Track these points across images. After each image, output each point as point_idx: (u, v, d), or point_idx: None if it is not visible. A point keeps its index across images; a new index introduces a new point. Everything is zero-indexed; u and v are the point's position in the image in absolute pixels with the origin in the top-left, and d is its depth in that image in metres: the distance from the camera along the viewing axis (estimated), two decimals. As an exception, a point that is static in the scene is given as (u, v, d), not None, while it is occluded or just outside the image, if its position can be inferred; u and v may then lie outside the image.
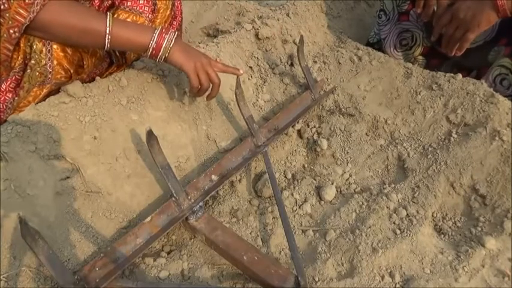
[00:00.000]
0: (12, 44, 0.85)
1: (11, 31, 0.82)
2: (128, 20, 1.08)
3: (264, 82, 1.32)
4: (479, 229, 0.97)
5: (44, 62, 0.92)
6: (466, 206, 1.02)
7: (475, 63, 1.36)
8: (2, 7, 0.78)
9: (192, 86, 1.01)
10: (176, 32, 0.96)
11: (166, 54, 0.95)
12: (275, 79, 1.33)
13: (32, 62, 0.90)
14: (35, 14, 0.82)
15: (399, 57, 1.46)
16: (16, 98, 0.93)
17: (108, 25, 0.89)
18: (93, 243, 0.89)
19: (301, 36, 1.26)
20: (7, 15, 0.80)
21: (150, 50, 0.94)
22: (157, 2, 1.13)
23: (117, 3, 1.08)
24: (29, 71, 0.91)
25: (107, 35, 0.89)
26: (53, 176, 0.89)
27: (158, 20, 1.15)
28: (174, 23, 1.22)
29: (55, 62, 0.94)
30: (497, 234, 0.93)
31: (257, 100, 1.28)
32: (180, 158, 1.08)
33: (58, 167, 0.90)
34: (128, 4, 1.08)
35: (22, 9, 0.80)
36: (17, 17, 0.80)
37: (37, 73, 0.92)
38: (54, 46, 0.92)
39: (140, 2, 1.09)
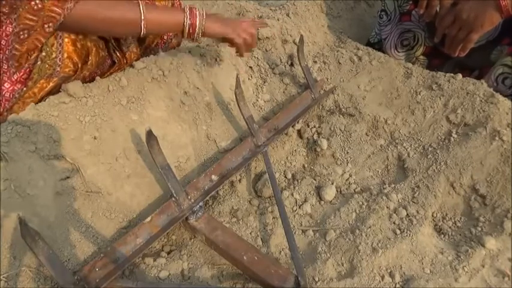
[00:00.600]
0: (45, 37, 0.87)
1: (46, 26, 0.84)
2: None
3: (264, 82, 1.32)
4: (479, 229, 0.97)
5: (54, 54, 0.92)
6: (466, 206, 1.02)
7: (478, 62, 1.36)
8: (35, 7, 0.80)
9: (240, 47, 1.09)
10: (203, 8, 1.02)
11: (202, 29, 1.00)
12: (275, 79, 1.33)
13: (43, 54, 0.92)
14: (69, 11, 0.83)
15: (400, 58, 1.45)
16: (24, 89, 0.94)
17: (142, 12, 0.92)
18: (93, 243, 0.89)
19: (301, 36, 1.26)
20: (41, 13, 0.81)
21: (187, 28, 0.98)
22: (156, 3, 1.13)
23: None
24: (39, 62, 0.92)
25: (142, 21, 0.92)
26: (53, 176, 0.89)
27: None
28: None
29: (65, 55, 0.95)
30: (497, 234, 0.93)
31: (257, 100, 1.28)
32: (180, 158, 1.08)
33: (58, 167, 0.90)
34: None
35: (56, 7, 0.82)
36: (52, 14, 0.82)
37: (47, 65, 0.93)
38: (66, 40, 0.93)
39: None
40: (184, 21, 0.97)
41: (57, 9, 0.82)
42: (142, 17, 0.92)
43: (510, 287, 0.86)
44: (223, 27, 1.04)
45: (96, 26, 0.91)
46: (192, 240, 0.97)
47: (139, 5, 0.92)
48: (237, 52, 1.13)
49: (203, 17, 0.99)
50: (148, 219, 0.89)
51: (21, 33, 0.83)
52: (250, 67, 1.31)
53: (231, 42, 1.08)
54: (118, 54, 1.09)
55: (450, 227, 1.00)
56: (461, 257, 0.90)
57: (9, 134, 0.87)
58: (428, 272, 0.88)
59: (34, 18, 0.82)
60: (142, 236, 0.88)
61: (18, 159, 0.85)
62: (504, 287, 0.86)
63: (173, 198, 0.93)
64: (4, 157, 0.84)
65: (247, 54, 1.20)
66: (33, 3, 0.79)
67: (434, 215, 1.02)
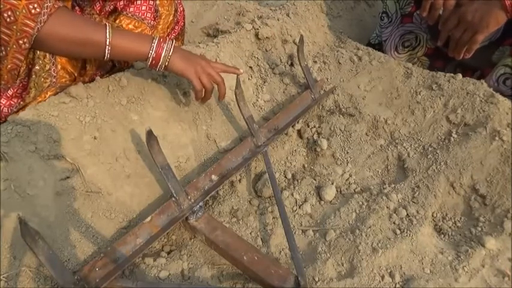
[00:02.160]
0: (23, 55, 0.84)
1: (21, 42, 0.81)
2: (130, 26, 1.08)
3: (264, 82, 1.32)
4: (479, 229, 0.97)
5: (48, 67, 0.91)
6: (466, 206, 1.02)
7: (479, 63, 1.35)
8: (8, 20, 0.77)
9: (197, 91, 1.01)
10: (173, 40, 0.97)
11: (166, 63, 0.96)
12: (275, 79, 1.33)
13: (37, 67, 0.90)
14: (42, 24, 0.80)
15: (401, 59, 1.45)
16: (22, 103, 0.93)
17: (108, 36, 0.88)
18: (93, 243, 0.89)
19: (301, 36, 1.26)
20: (14, 27, 0.79)
21: (150, 59, 0.94)
22: (160, 8, 1.13)
23: (119, 9, 1.08)
24: (34, 76, 0.91)
25: (107, 46, 0.89)
26: (53, 176, 0.89)
27: (160, 26, 1.15)
28: (176, 27, 1.22)
29: (59, 67, 0.94)
30: (497, 234, 0.93)
31: (257, 100, 1.28)
32: (180, 158, 1.08)
33: (58, 167, 0.90)
34: (131, 10, 1.08)
35: (29, 20, 0.79)
36: (25, 28, 0.79)
37: (42, 78, 0.91)
38: None
39: (142, 9, 1.10)
40: (148, 53, 0.93)
41: (29, 23, 0.79)
42: (108, 42, 0.88)
43: (510, 287, 0.86)
44: (185, 65, 0.97)
45: (61, 44, 0.86)
46: (192, 240, 0.97)
47: (106, 29, 0.88)
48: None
49: (170, 51, 0.95)
50: (148, 219, 0.89)
51: None
52: (250, 67, 1.31)
53: (190, 82, 1.01)
54: None
55: (450, 227, 1.00)
56: (461, 257, 0.90)
57: (9, 134, 0.87)
58: (428, 272, 0.88)
59: (8, 32, 0.78)
60: (142, 236, 0.88)
61: (18, 159, 0.85)
62: (504, 287, 0.86)
63: (173, 198, 0.93)
64: (4, 157, 0.84)
65: (205, 101, 1.09)
66: (5, 15, 0.76)
67: (434, 215, 1.02)
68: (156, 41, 0.94)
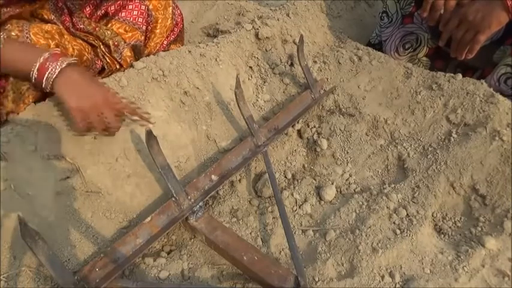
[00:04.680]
0: None
1: None
2: (121, 30, 1.07)
3: (264, 82, 1.32)
4: (479, 229, 0.97)
5: None
6: (466, 206, 1.02)
7: (480, 63, 1.34)
8: None
9: (76, 128, 0.86)
10: (68, 61, 0.83)
11: (49, 86, 0.82)
12: (275, 79, 1.33)
13: None
14: None
15: (401, 60, 1.44)
16: (1, 107, 0.91)
17: None
18: (93, 243, 0.89)
19: (301, 36, 1.26)
20: None
21: (33, 79, 0.82)
22: (154, 13, 1.13)
23: (110, 13, 1.08)
24: (11, 79, 0.89)
25: None
26: (53, 176, 0.89)
27: (158, 30, 1.16)
28: (175, 29, 1.23)
29: None
30: (497, 234, 0.93)
31: (257, 100, 1.28)
32: (180, 158, 1.08)
33: (58, 167, 0.90)
34: (122, 15, 1.08)
35: None
36: None
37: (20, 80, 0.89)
38: None
39: (134, 13, 1.10)
40: (31, 71, 0.80)
41: None
42: None
43: (510, 287, 0.86)
44: (70, 96, 0.82)
45: None
46: (192, 240, 0.97)
47: None
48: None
49: (54, 74, 0.80)
50: (148, 219, 0.89)
51: None
52: (250, 67, 1.31)
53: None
54: (108, 59, 1.09)
55: (450, 227, 1.00)
56: (461, 257, 0.90)
57: (9, 134, 0.87)
58: (428, 272, 0.88)
59: None
60: (142, 236, 0.88)
61: (18, 159, 0.85)
62: (504, 287, 0.86)
63: (173, 198, 0.93)
64: (4, 157, 0.84)
65: (109, 134, 0.91)
66: None
67: (434, 215, 1.02)
68: (43, 59, 0.80)
